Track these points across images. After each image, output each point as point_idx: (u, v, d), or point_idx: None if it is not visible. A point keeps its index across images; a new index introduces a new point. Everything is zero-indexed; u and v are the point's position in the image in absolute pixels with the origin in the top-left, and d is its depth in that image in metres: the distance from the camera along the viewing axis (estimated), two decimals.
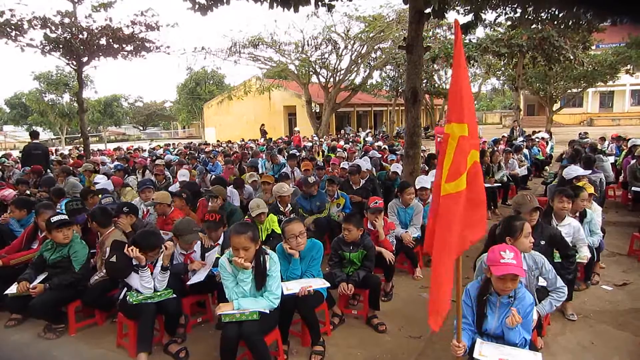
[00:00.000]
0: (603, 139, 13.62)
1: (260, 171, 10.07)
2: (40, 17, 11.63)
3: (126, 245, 3.78)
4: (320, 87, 26.83)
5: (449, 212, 2.56)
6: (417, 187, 6.07)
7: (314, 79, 27.16)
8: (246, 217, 5.46)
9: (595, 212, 5.02)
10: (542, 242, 3.82)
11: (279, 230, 5.16)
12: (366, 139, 20.21)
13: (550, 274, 3.40)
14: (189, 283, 4.14)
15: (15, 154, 19.32)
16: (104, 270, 4.32)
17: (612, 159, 10.35)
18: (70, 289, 4.23)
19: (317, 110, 28.84)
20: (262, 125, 26.95)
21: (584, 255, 4.36)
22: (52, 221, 4.24)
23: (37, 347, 4.12)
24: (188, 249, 4.30)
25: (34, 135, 11.02)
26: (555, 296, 3.41)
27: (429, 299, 2.70)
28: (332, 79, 26.20)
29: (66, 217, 4.36)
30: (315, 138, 20.66)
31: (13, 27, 11.40)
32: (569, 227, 4.47)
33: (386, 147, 13.92)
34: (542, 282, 3.47)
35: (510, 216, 3.55)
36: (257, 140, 22.76)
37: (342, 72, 25.95)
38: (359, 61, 25.54)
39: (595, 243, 4.75)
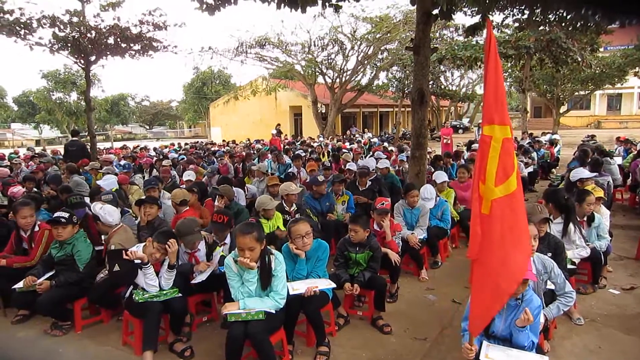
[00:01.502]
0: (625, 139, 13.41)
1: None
2: (49, 16, 11.70)
3: (122, 251, 3.81)
4: (327, 88, 26.84)
5: (502, 215, 2.51)
6: (438, 182, 6.61)
7: (320, 79, 27.18)
8: (252, 217, 5.48)
9: (604, 216, 4.98)
10: (549, 254, 3.75)
11: (283, 229, 5.18)
12: (371, 140, 20.17)
13: (559, 279, 3.39)
14: (193, 282, 4.16)
15: (23, 151, 19.44)
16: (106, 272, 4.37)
17: (619, 161, 10.28)
18: (75, 286, 4.26)
19: (323, 111, 28.85)
20: (278, 125, 26.92)
21: (570, 258, 4.38)
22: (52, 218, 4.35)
23: (44, 344, 4.14)
24: (192, 247, 4.32)
25: (74, 133, 12.44)
26: (563, 301, 3.40)
27: (470, 303, 2.66)
28: (338, 80, 26.21)
29: (64, 215, 4.35)
30: (321, 138, 20.65)
31: (22, 25, 11.47)
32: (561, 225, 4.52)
33: (392, 148, 13.90)
34: (549, 286, 3.45)
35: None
36: (262, 140, 22.72)
37: (349, 72, 25.96)
38: (366, 62, 25.52)
39: (602, 247, 4.72)
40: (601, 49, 19.70)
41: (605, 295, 4.82)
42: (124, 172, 9.04)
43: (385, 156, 11.02)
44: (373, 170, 7.86)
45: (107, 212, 4.69)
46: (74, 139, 12.09)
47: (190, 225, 4.26)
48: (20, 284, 4.20)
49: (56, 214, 4.37)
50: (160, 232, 3.94)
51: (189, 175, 8.05)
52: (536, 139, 15.08)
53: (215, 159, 12.76)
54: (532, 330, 2.86)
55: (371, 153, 12.17)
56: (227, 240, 4.64)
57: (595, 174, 6.63)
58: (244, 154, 12.56)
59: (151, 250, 3.76)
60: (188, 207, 5.64)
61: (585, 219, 4.73)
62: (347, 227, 5.95)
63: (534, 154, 11.80)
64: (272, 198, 5.63)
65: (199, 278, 4.14)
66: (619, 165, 9.52)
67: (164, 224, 5.19)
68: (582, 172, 6.18)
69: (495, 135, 2.51)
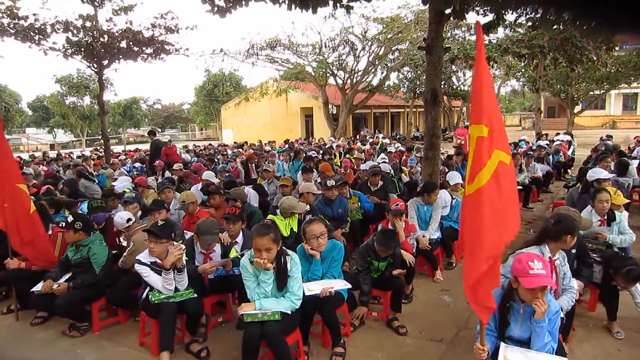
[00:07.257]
0: None
1: (278, 174, 10.09)
2: (63, 21, 11.82)
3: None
4: (338, 89, 26.80)
5: (470, 212, 2.65)
6: (452, 183, 6.57)
7: (331, 80, 27.17)
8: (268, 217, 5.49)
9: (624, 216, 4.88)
10: (573, 251, 3.73)
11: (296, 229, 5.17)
12: (383, 141, 20.08)
13: (567, 270, 3.42)
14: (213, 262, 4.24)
15: (37, 155, 19.71)
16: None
17: (636, 162, 10.11)
18: (92, 288, 4.31)
19: (334, 112, 28.83)
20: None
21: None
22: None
23: (62, 345, 4.20)
24: (208, 248, 4.34)
25: (152, 133, 13.31)
26: (569, 295, 3.38)
27: (468, 295, 2.69)
28: (349, 81, 26.15)
29: (62, 221, 4.45)
30: (333, 140, 20.63)
31: (37, 31, 11.62)
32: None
33: (402, 148, 13.83)
34: None
35: (565, 214, 3.54)
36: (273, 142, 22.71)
37: (360, 73, 25.88)
38: (377, 62, 25.43)
39: (625, 241, 4.58)
40: (617, 48, 19.35)
41: (624, 297, 4.70)
42: (138, 175, 9.17)
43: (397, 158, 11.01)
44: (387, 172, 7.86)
45: (116, 216, 4.97)
46: (155, 138, 12.97)
47: (212, 225, 4.30)
48: (39, 287, 4.27)
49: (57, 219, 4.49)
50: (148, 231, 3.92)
51: (209, 175, 8.08)
52: (551, 140, 14.91)
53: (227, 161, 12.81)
54: (551, 335, 2.82)
55: (382, 154, 12.11)
56: (239, 239, 4.66)
57: (613, 174, 6.50)
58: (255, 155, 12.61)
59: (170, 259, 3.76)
60: (199, 209, 5.69)
61: (605, 217, 4.63)
62: (360, 227, 5.96)
63: (550, 157, 11.68)
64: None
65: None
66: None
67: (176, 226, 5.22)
68: (600, 173, 6.06)
69: (472, 135, 2.62)
